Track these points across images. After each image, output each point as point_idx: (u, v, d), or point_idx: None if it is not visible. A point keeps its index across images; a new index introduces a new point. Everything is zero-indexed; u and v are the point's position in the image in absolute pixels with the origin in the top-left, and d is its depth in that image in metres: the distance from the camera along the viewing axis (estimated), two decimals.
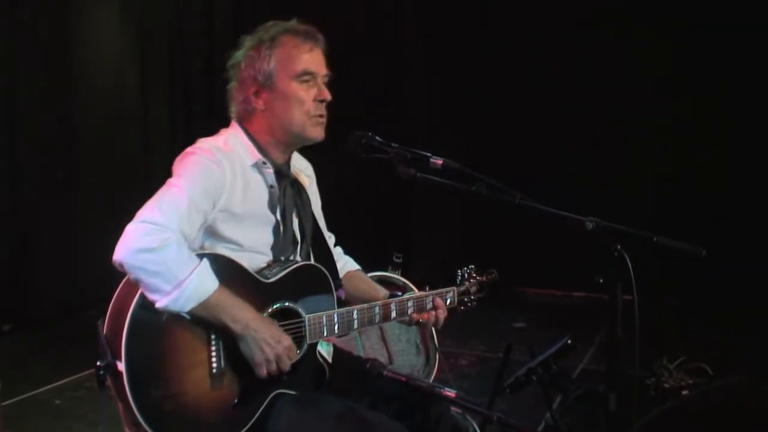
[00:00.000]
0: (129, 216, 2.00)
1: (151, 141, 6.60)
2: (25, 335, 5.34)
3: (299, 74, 2.19)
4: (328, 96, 2.24)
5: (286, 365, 2.07)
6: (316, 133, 2.25)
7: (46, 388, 4.37)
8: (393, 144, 2.20)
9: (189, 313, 1.94)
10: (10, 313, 5.53)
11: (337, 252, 2.58)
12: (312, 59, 2.22)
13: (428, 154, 2.14)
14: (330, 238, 2.54)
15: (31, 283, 5.71)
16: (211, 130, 2.31)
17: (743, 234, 5.87)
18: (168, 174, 2.12)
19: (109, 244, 1.97)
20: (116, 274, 2.05)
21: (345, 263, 2.60)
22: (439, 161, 2.12)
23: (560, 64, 6.50)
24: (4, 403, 3.55)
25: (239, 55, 2.26)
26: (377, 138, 2.22)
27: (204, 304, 1.94)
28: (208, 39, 7.03)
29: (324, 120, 2.26)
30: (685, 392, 3.90)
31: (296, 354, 2.11)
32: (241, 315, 2.00)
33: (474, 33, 6.91)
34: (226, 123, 2.35)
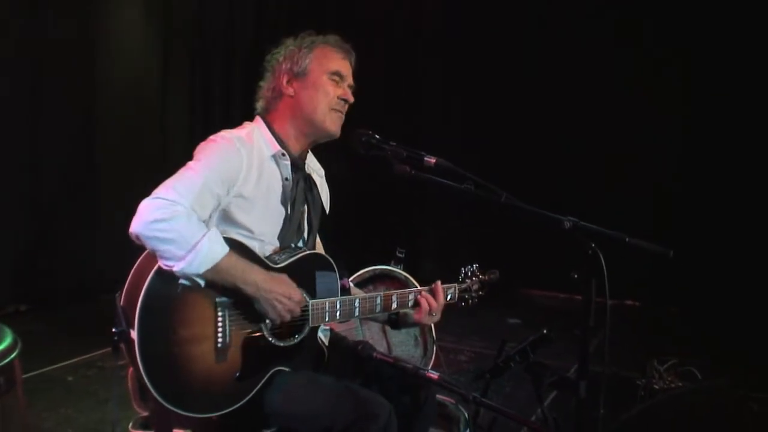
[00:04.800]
0: None
1: (170, 132, 6.78)
2: (41, 315, 5.52)
3: (332, 72, 2.43)
4: (350, 97, 2.46)
5: (297, 314, 2.24)
6: (334, 126, 2.44)
7: (59, 365, 4.55)
8: (391, 142, 2.34)
9: (202, 276, 2.09)
10: (27, 294, 5.73)
11: None
12: (344, 65, 2.47)
13: (423, 153, 2.28)
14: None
15: (48, 266, 5.89)
16: (229, 124, 2.47)
17: (746, 243, 5.96)
18: (185, 163, 2.27)
19: (126, 229, 2.12)
20: (133, 258, 2.21)
21: None
22: (433, 160, 2.26)
23: (551, 68, 6.64)
24: None
25: (279, 50, 2.48)
26: (376, 136, 2.37)
27: (216, 268, 2.09)
28: (229, 38, 7.21)
29: (341, 118, 2.46)
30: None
31: (306, 300, 2.27)
32: (251, 277, 2.15)
33: (469, 37, 7.07)
34: (242, 118, 2.51)
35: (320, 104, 2.41)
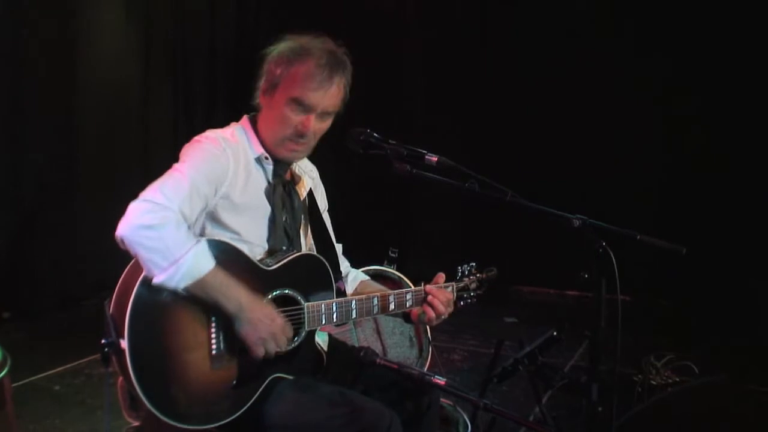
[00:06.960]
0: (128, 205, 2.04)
1: (152, 135, 6.65)
2: (25, 323, 5.38)
3: (294, 99, 2.24)
4: (305, 131, 2.25)
5: (282, 344, 2.13)
6: (287, 155, 2.33)
7: (45, 374, 4.43)
8: (390, 140, 2.25)
9: (185, 290, 1.99)
10: (10, 301, 5.58)
11: (345, 265, 2.67)
12: (315, 96, 2.23)
13: (424, 151, 2.20)
14: (338, 246, 2.60)
15: (31, 272, 5.75)
16: (212, 124, 2.40)
17: (740, 238, 5.94)
18: (169, 166, 2.19)
19: (110, 234, 2.02)
20: (116, 263, 2.12)
21: (356, 274, 2.69)
22: (434, 158, 2.18)
23: (556, 65, 6.58)
24: None
25: (273, 48, 2.32)
26: (375, 134, 2.27)
27: (199, 283, 1.99)
28: (211, 38, 7.10)
29: (300, 147, 2.31)
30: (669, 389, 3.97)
31: (291, 333, 2.16)
32: (235, 295, 2.05)
33: (471, 33, 7.02)
34: (226, 118, 2.44)
35: (276, 130, 2.28)
